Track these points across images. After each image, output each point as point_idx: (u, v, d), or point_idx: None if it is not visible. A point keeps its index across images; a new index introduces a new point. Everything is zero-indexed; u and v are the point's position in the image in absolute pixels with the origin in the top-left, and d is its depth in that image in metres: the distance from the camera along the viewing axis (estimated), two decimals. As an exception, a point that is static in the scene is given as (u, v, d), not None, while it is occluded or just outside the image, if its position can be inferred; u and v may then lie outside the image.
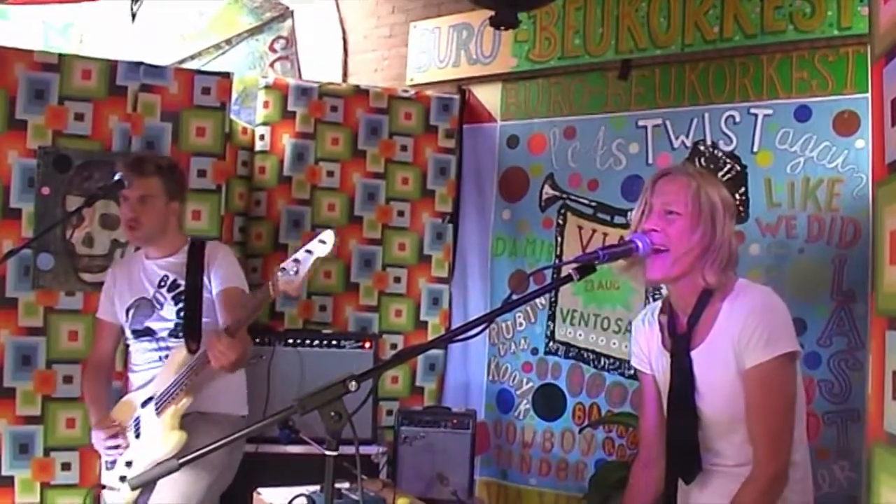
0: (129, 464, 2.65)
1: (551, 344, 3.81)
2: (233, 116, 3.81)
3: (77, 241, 3.35)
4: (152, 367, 2.72)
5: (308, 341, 3.47)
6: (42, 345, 3.25)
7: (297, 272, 2.25)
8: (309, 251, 2.25)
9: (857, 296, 2.99)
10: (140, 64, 3.47)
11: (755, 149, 3.29)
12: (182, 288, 2.73)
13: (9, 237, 3.19)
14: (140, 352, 2.76)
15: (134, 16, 4.68)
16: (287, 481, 2.45)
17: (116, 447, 2.67)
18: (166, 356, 2.70)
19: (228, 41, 5.06)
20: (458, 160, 4.08)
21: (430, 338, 3.94)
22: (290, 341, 3.45)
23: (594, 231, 3.72)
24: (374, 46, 4.67)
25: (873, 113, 1.76)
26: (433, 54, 4.29)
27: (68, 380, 3.26)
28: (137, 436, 2.66)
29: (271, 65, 5.00)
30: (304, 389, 1.48)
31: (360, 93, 4.01)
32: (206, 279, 2.73)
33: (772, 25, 3.26)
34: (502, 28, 3.31)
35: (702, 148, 3.42)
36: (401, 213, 4.01)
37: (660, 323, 2.07)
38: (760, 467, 1.86)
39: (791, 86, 3.21)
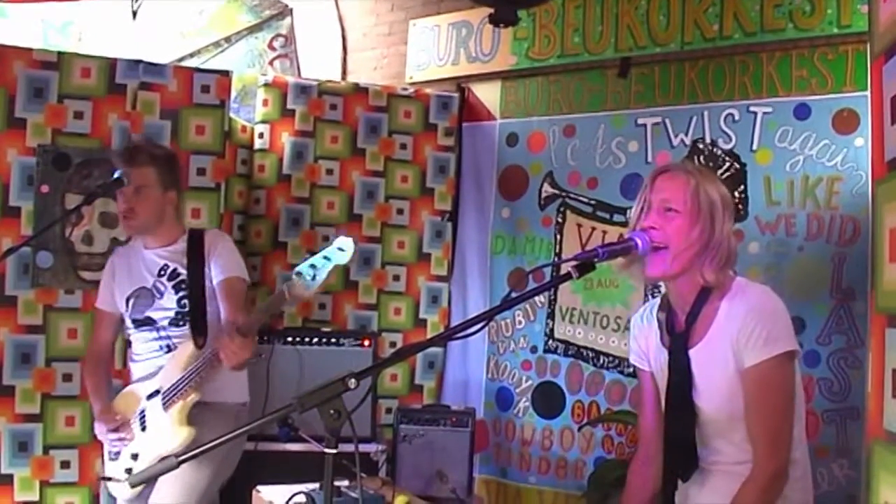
0: (134, 456, 2.65)
1: (550, 342, 3.81)
2: (232, 114, 3.80)
3: (76, 240, 3.35)
4: (154, 356, 2.72)
5: (307, 339, 3.48)
6: (41, 343, 3.25)
7: (314, 278, 2.19)
8: (327, 258, 2.19)
9: (856, 294, 2.99)
10: (139, 62, 3.47)
11: (754, 147, 3.29)
12: (182, 277, 2.72)
13: (8, 235, 3.20)
14: (141, 341, 2.76)
15: (135, 14, 4.68)
16: (286, 479, 2.46)
17: (121, 439, 2.67)
18: (167, 345, 2.70)
19: (228, 39, 5.05)
20: (457, 158, 4.08)
21: (429, 336, 3.95)
22: (290, 339, 3.46)
23: (593, 229, 3.72)
24: (374, 44, 4.66)
25: (873, 111, 1.76)
26: (432, 52, 4.28)
27: (68, 378, 3.26)
28: (143, 429, 2.66)
29: (270, 63, 4.99)
30: (304, 387, 1.48)
31: (360, 91, 4.00)
32: (206, 269, 2.72)
33: (771, 23, 3.25)
34: (502, 26, 3.31)
35: (701, 146, 3.42)
36: (400, 212, 4.01)
37: (658, 320, 2.07)
38: (760, 466, 1.86)
39: (790, 84, 3.21)
